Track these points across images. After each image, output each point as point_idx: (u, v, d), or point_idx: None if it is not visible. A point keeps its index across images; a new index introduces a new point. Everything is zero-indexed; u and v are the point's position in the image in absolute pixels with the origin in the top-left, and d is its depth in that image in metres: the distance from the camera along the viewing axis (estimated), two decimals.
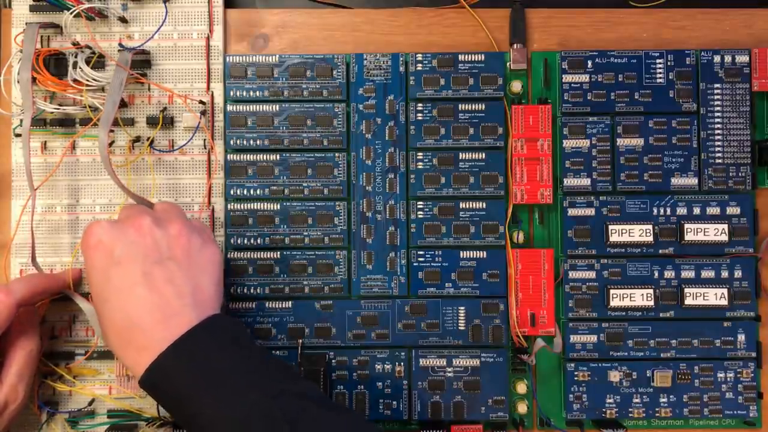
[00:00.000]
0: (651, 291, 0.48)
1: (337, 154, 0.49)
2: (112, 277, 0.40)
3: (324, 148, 0.49)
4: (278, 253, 0.48)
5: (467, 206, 0.48)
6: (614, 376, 0.48)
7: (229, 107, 0.49)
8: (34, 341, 0.44)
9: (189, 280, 0.40)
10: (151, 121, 0.48)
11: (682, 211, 0.49)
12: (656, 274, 0.48)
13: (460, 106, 0.48)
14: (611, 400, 0.48)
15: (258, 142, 0.48)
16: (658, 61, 0.49)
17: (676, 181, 0.49)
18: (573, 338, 0.48)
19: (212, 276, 0.42)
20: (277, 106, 0.49)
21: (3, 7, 0.50)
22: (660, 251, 0.48)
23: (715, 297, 0.48)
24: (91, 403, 0.48)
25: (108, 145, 0.47)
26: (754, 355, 0.48)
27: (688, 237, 0.48)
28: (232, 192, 0.49)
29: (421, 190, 0.49)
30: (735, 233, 0.48)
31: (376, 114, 0.49)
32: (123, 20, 0.49)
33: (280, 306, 0.48)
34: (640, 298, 0.48)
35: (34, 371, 0.45)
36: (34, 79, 0.46)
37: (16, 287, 0.42)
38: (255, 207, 0.48)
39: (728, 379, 0.48)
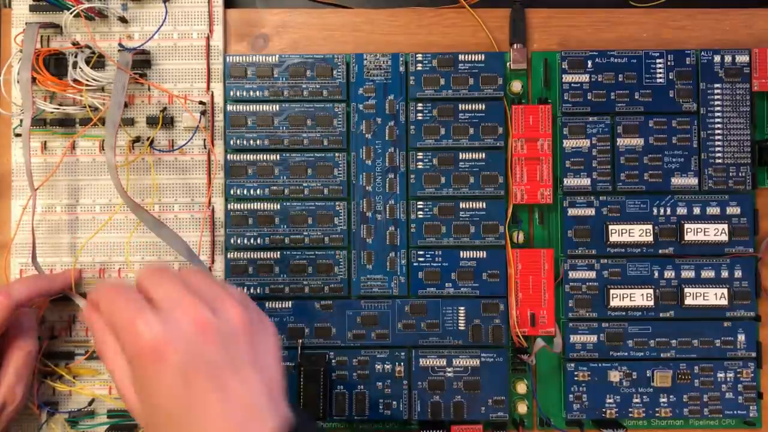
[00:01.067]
0: (651, 291, 0.48)
1: (337, 154, 0.49)
2: (179, 399, 0.32)
3: (324, 148, 0.49)
4: (278, 253, 0.48)
5: (467, 206, 0.48)
6: (614, 376, 0.48)
7: (229, 107, 0.49)
8: (33, 342, 0.44)
9: (258, 373, 0.34)
10: (151, 121, 0.48)
11: (682, 211, 0.49)
12: (656, 274, 0.48)
13: (460, 106, 0.48)
14: (611, 400, 0.48)
15: (258, 142, 0.48)
16: (658, 61, 0.49)
17: (676, 181, 0.49)
18: (573, 338, 0.48)
19: (276, 355, 0.36)
20: (277, 106, 0.49)
21: (3, 7, 0.50)
22: (660, 251, 0.48)
23: (715, 297, 0.48)
24: (90, 403, 0.48)
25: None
26: (754, 355, 0.48)
27: (688, 237, 0.48)
28: (232, 192, 0.49)
29: (421, 190, 0.48)
30: (735, 233, 0.48)
31: (376, 114, 0.49)
32: (123, 20, 0.49)
33: (280, 306, 0.48)
34: (640, 298, 0.48)
35: (33, 372, 0.45)
36: (34, 79, 0.46)
37: (17, 289, 0.42)
38: (255, 207, 0.48)
39: (728, 379, 0.48)
